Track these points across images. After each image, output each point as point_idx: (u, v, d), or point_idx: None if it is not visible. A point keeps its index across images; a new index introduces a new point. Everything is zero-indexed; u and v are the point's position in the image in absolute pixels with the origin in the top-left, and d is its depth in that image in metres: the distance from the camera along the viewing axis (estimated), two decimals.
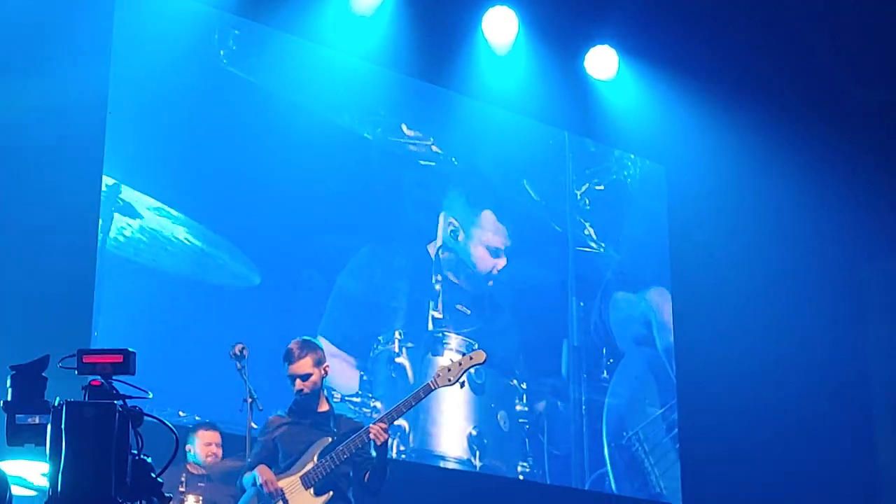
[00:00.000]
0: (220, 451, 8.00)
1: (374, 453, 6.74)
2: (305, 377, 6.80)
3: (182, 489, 7.57)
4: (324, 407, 6.91)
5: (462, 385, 6.84)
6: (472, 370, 7.00)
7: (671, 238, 11.37)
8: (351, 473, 6.81)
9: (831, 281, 11.67)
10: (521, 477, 10.07)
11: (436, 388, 6.81)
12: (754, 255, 11.39)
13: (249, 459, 6.98)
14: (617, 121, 11.15)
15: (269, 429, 6.96)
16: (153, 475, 3.57)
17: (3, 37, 7.92)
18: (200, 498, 7.56)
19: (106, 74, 8.48)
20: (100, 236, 8.37)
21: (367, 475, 6.77)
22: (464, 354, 7.05)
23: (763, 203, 11.41)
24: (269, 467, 6.80)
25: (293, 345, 6.89)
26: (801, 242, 11.47)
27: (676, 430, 10.96)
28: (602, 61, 10.92)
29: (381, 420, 6.74)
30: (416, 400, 6.78)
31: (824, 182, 11.12)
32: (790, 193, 11.28)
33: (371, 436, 6.65)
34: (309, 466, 6.74)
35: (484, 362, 6.96)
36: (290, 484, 6.72)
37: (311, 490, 6.70)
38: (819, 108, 11.04)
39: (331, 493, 6.70)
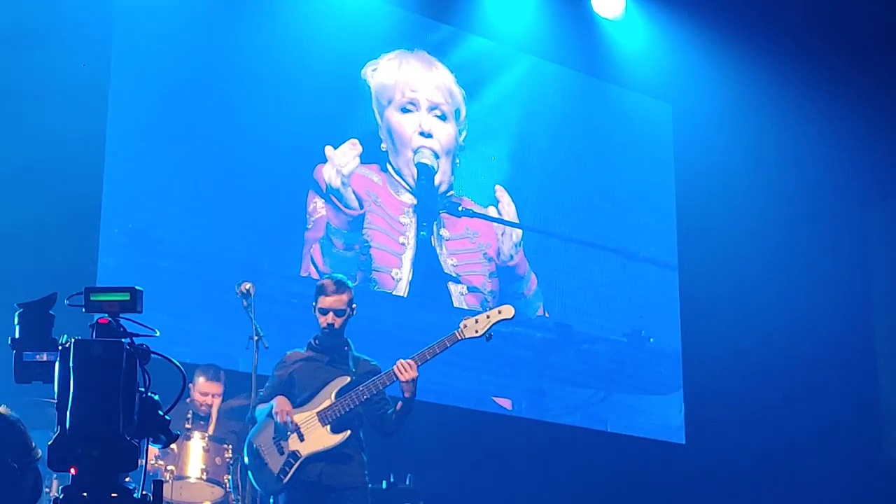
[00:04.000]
0: (217, 401, 8.02)
1: (391, 402, 6.76)
2: (340, 312, 6.83)
3: (188, 426, 7.61)
4: (345, 347, 6.94)
5: (489, 338, 6.83)
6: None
7: (676, 177, 11.34)
8: (363, 413, 6.83)
9: (835, 219, 11.67)
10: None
11: (461, 339, 6.81)
12: (758, 194, 11.39)
13: (262, 392, 6.99)
14: (624, 60, 11.09)
15: (286, 363, 6.98)
16: (160, 413, 3.59)
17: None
18: (206, 435, 7.61)
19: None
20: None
21: (382, 415, 6.79)
22: (492, 307, 7.03)
23: (768, 141, 11.39)
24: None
25: (326, 280, 6.93)
26: (806, 181, 11.46)
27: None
28: (609, 0, 10.84)
29: (412, 357, 6.73)
30: (442, 348, 6.77)
31: (830, 121, 11.08)
32: (795, 132, 11.25)
33: (395, 370, 6.66)
34: (326, 403, 6.75)
35: (512, 317, 6.94)
36: (306, 419, 6.73)
37: (328, 427, 6.72)
38: (826, 47, 10.97)
39: (348, 432, 6.72)
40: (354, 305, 6.93)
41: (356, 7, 9.83)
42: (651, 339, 10.87)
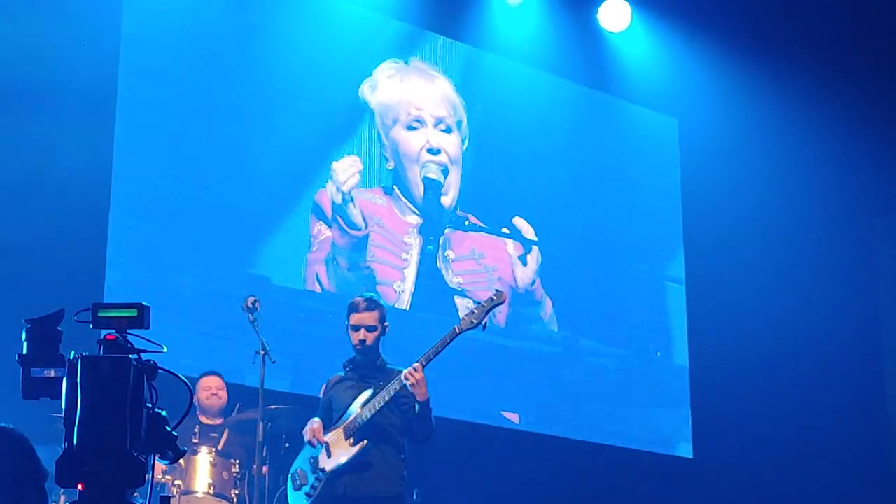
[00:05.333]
0: (222, 395, 8.06)
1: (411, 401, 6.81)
2: (371, 328, 6.88)
3: (195, 440, 7.62)
4: (377, 362, 6.99)
5: (484, 327, 6.87)
6: (495, 311, 7.07)
7: (683, 190, 11.34)
8: (399, 423, 6.87)
9: (842, 233, 11.65)
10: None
11: (461, 333, 6.85)
12: (765, 207, 11.38)
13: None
14: (629, 74, 11.10)
15: (327, 387, 7.11)
16: (168, 428, 3.59)
17: None
18: (214, 449, 7.61)
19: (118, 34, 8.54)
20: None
21: (408, 417, 6.85)
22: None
23: (774, 154, 11.38)
24: (325, 423, 6.88)
25: (358, 299, 7.01)
26: (812, 195, 11.44)
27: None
28: (615, 13, 10.85)
29: (417, 361, 6.77)
30: (444, 345, 6.82)
31: (836, 134, 11.07)
32: (802, 146, 11.24)
33: (403, 377, 6.70)
34: (351, 418, 6.82)
35: (504, 302, 6.99)
36: (335, 436, 6.83)
37: (350, 440, 6.79)
38: (832, 61, 10.97)
39: (364, 441, 6.76)
40: (387, 323, 6.98)
41: (358, 22, 9.83)
42: (658, 353, 10.85)
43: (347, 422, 6.82)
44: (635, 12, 10.85)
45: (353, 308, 6.95)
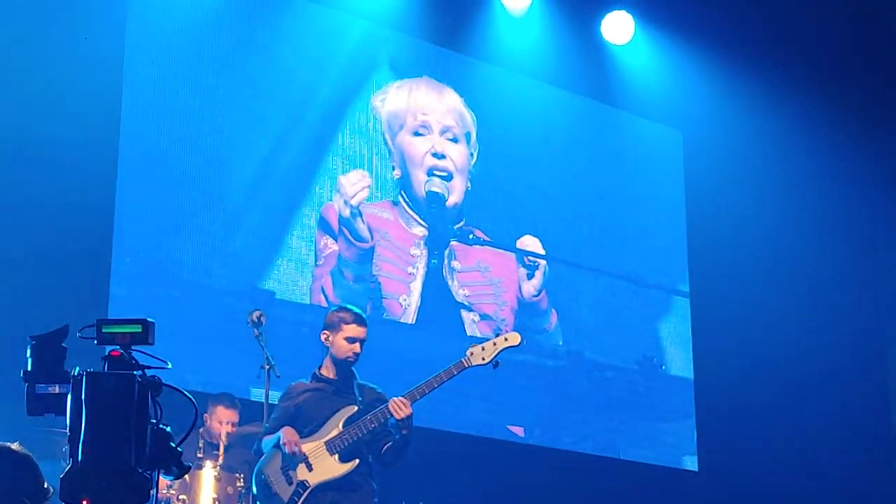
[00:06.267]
0: (233, 429, 8.03)
1: (396, 430, 6.74)
2: (363, 342, 6.86)
3: (200, 455, 7.60)
4: (351, 376, 6.94)
5: (495, 365, 6.81)
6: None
7: (687, 202, 11.34)
8: (370, 441, 6.81)
9: (847, 245, 11.64)
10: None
11: (468, 367, 6.80)
12: (769, 219, 11.37)
13: (267, 425, 6.98)
14: (633, 86, 11.10)
15: (291, 395, 6.96)
16: (172, 444, 3.58)
17: None
18: (217, 464, 7.60)
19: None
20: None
21: (385, 447, 6.78)
22: (497, 335, 6.99)
23: (778, 166, 11.38)
24: None
25: (346, 313, 6.90)
26: (816, 207, 11.44)
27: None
28: (618, 26, 10.86)
29: (404, 396, 6.73)
30: (449, 376, 6.76)
31: (839, 147, 11.07)
32: (806, 158, 11.24)
33: (390, 409, 6.65)
34: (334, 433, 6.74)
35: (518, 345, 6.92)
36: (314, 448, 6.72)
37: (336, 456, 6.71)
38: (834, 72, 10.97)
39: (357, 461, 6.71)
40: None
41: (362, 35, 9.85)
42: (663, 367, 10.84)
43: (330, 437, 6.73)
44: (638, 24, 10.86)
45: (345, 320, 6.86)
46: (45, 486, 3.78)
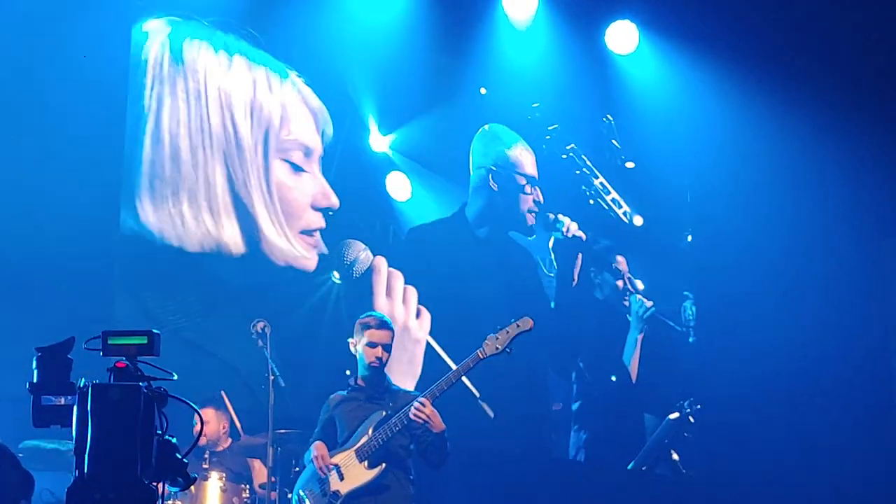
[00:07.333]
0: (221, 429, 8.02)
1: (425, 430, 6.76)
2: (387, 348, 6.89)
3: (205, 465, 7.61)
4: (384, 381, 6.98)
5: (510, 352, 6.82)
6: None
7: (693, 207, 11.37)
8: (410, 446, 6.85)
9: (853, 256, 11.60)
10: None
11: (485, 358, 6.81)
12: (775, 230, 11.35)
13: (312, 438, 7.04)
14: (636, 95, 11.11)
15: (329, 406, 7.05)
16: (178, 455, 3.59)
17: None
18: (223, 474, 7.61)
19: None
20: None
21: (424, 448, 6.82)
22: (511, 322, 7.01)
23: (783, 176, 11.35)
24: (329, 446, 6.85)
25: (371, 318, 6.98)
26: (823, 217, 11.42)
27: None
28: (622, 36, 10.87)
29: (424, 395, 6.75)
30: (466, 370, 6.80)
31: (846, 156, 11.05)
32: (811, 168, 11.22)
33: (411, 414, 6.67)
34: (363, 440, 6.79)
35: (531, 329, 6.94)
36: (346, 458, 6.78)
37: (366, 463, 6.76)
38: (841, 81, 10.96)
39: (383, 465, 6.74)
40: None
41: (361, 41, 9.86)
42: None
43: (359, 444, 6.79)
44: (642, 34, 10.87)
45: (367, 326, 6.91)
46: (30, 478, 3.82)
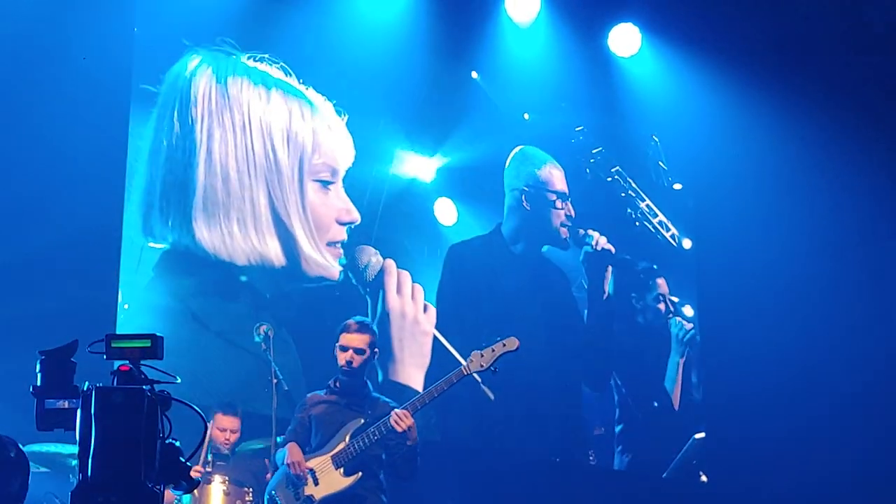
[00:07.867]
0: (235, 437, 7.99)
1: (401, 441, 6.75)
2: (359, 351, 6.86)
3: (208, 469, 7.60)
4: (363, 388, 6.95)
5: (494, 371, 6.83)
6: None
7: (695, 210, 11.36)
8: (383, 456, 6.83)
9: (856, 261, 11.59)
10: None
11: (468, 374, 6.82)
12: (777, 234, 11.34)
13: (285, 436, 7.02)
14: (639, 98, 11.10)
15: (306, 406, 7.02)
16: (182, 459, 3.59)
17: None
18: (226, 478, 7.60)
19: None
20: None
21: (395, 459, 6.80)
22: (497, 341, 7.03)
23: (785, 179, 11.35)
24: (301, 445, 6.82)
25: (350, 321, 7.01)
26: (824, 220, 11.41)
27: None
28: (625, 38, 10.86)
29: (404, 407, 6.75)
30: (448, 384, 6.79)
31: (849, 159, 11.04)
32: (813, 171, 11.21)
33: (391, 422, 6.66)
34: (340, 447, 6.78)
35: (517, 349, 6.93)
36: (321, 463, 6.76)
37: (341, 470, 6.75)
38: (843, 84, 10.96)
39: (360, 473, 6.74)
40: (377, 350, 6.95)
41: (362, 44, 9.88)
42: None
43: (336, 450, 6.77)
44: (645, 37, 10.87)
45: (345, 328, 6.94)
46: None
